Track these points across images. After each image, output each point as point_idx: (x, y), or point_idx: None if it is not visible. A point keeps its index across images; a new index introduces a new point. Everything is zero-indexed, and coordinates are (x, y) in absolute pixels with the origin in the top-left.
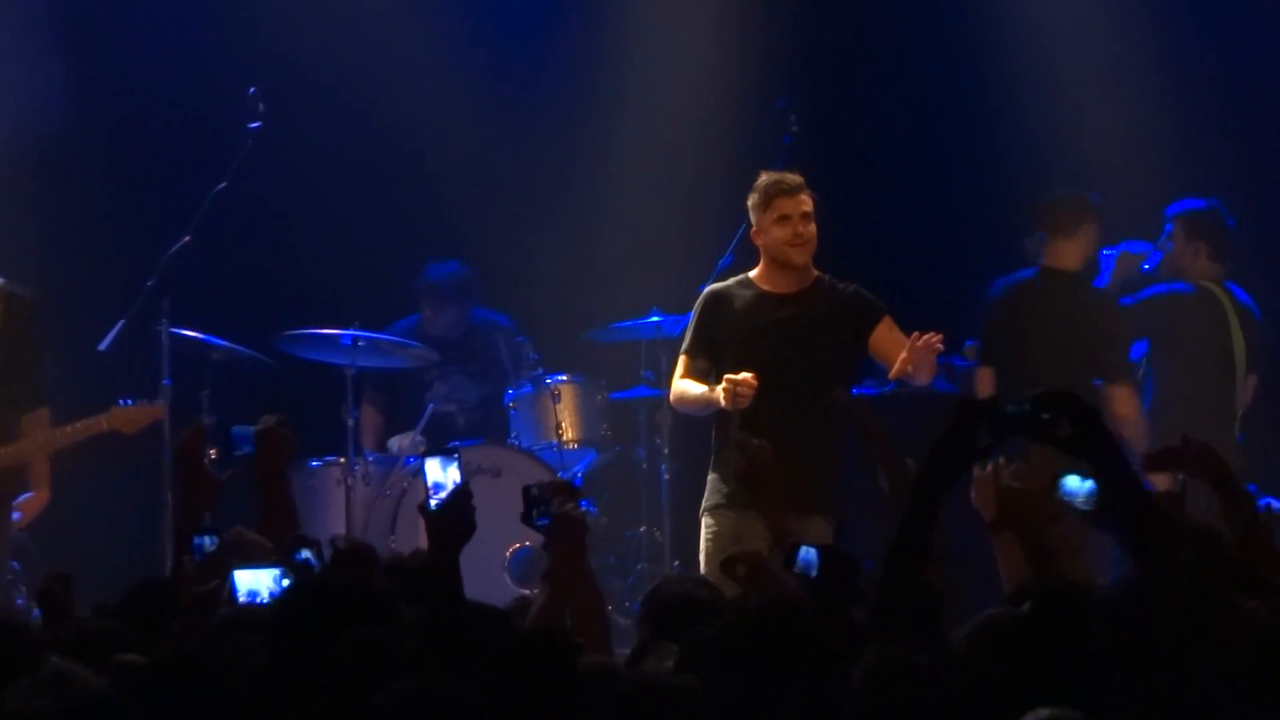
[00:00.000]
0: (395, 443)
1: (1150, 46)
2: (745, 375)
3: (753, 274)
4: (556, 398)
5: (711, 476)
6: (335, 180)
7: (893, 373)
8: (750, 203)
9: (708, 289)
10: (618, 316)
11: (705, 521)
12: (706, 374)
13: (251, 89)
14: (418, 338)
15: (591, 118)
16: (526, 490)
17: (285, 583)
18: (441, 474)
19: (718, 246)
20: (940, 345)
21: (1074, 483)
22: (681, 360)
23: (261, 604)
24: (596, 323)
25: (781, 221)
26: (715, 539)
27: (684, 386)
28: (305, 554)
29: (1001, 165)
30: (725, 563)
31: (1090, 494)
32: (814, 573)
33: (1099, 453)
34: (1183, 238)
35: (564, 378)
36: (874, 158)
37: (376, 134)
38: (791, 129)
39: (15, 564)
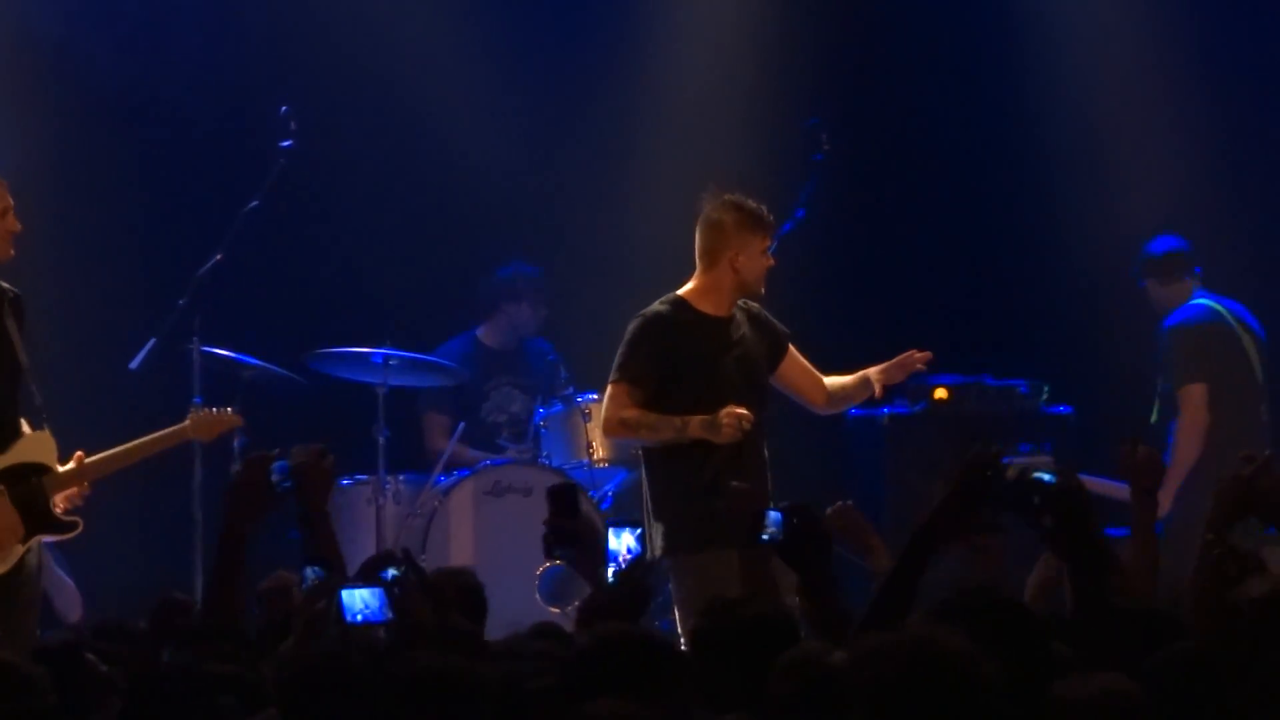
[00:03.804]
0: None
1: (1193, 67)
2: (742, 410)
3: (685, 295)
4: (587, 417)
5: (681, 512)
6: (368, 198)
7: (879, 390)
8: (739, 223)
9: (649, 315)
10: None
11: (697, 561)
12: (646, 404)
13: (283, 108)
14: (474, 353)
15: (624, 136)
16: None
17: (385, 602)
18: (618, 543)
19: None
20: (923, 365)
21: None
22: (622, 388)
23: (365, 622)
24: None
25: (766, 254)
26: (718, 580)
27: (640, 416)
28: (391, 572)
29: (1034, 185)
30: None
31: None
32: (779, 534)
33: (1073, 553)
34: (1149, 289)
35: (595, 397)
36: (904, 175)
37: (409, 153)
38: (823, 147)
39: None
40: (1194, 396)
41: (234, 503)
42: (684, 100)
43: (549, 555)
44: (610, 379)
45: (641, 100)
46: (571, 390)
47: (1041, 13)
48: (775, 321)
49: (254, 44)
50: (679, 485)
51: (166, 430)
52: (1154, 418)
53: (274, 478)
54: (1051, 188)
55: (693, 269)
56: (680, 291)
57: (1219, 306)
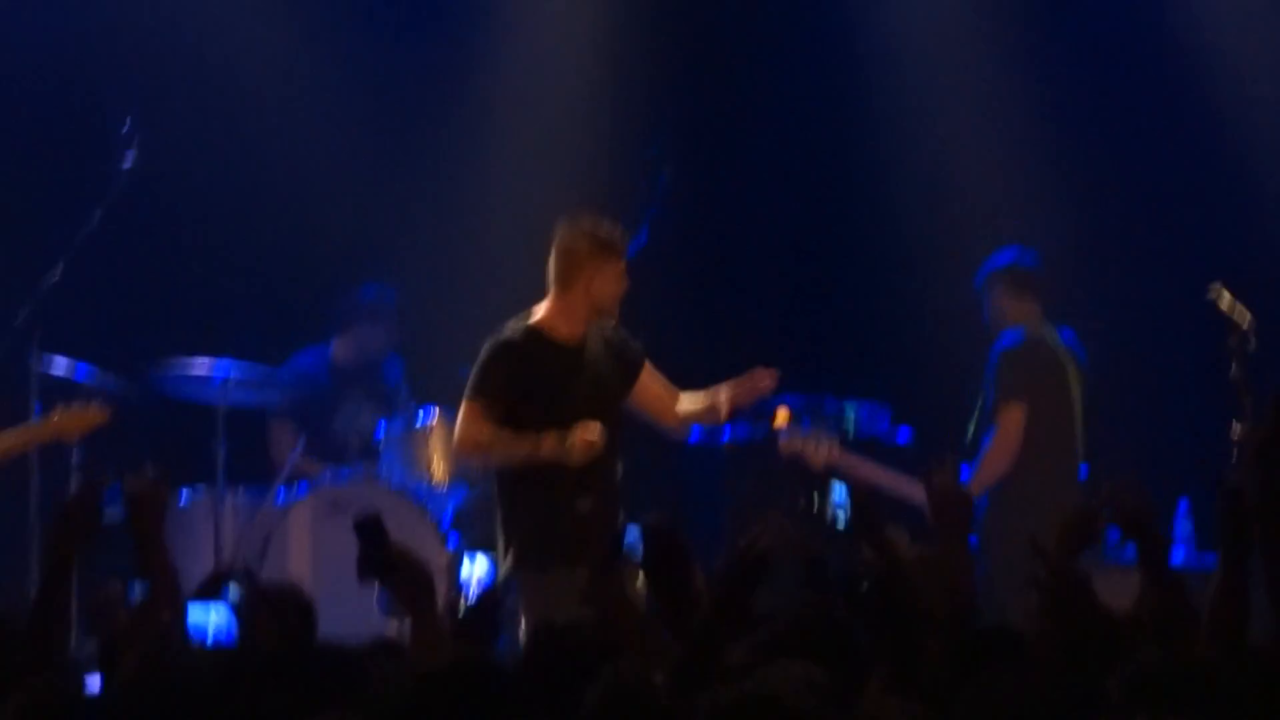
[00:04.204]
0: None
1: (1040, 87)
2: (593, 431)
3: (538, 318)
4: (427, 432)
5: (529, 531)
6: (218, 208)
7: (727, 413)
8: (593, 250)
9: (501, 340)
10: None
11: (543, 580)
12: (500, 424)
13: (126, 121)
14: (326, 366)
15: (470, 149)
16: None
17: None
18: (470, 568)
19: None
20: (769, 385)
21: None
22: (475, 408)
23: (211, 637)
24: (470, 357)
25: (620, 278)
26: (564, 600)
27: (493, 436)
28: (230, 588)
29: (881, 204)
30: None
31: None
32: (638, 549)
33: (883, 633)
34: (993, 297)
35: (436, 413)
36: (750, 191)
37: (259, 164)
38: (664, 173)
39: None
40: (1012, 414)
41: (61, 529)
42: (533, 116)
43: (363, 582)
44: (464, 398)
45: (492, 114)
46: (411, 404)
47: (887, 29)
48: (630, 340)
49: (98, 45)
50: (528, 505)
51: (24, 427)
52: (970, 431)
53: (105, 506)
54: (897, 207)
55: (543, 284)
56: (534, 314)
57: (1052, 334)
